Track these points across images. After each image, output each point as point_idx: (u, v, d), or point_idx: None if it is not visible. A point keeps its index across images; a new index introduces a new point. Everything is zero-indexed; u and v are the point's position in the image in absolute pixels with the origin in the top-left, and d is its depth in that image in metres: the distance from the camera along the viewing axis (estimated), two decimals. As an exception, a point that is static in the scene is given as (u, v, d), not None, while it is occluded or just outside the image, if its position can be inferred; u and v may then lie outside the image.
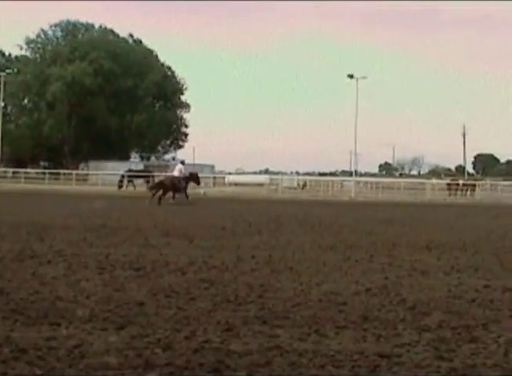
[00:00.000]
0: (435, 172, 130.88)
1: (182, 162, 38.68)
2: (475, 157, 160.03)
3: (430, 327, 7.46)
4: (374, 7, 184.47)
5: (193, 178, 38.16)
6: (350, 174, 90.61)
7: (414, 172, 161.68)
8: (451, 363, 6.12)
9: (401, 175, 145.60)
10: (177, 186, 35.59)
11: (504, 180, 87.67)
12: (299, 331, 7.10)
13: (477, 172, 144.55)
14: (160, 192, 34.96)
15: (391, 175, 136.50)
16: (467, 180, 71.41)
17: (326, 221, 24.21)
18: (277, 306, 8.39)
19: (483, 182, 76.36)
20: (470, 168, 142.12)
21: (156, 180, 40.61)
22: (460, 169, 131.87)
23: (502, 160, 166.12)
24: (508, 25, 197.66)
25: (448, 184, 63.23)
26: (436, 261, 13.41)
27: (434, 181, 70.88)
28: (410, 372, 5.85)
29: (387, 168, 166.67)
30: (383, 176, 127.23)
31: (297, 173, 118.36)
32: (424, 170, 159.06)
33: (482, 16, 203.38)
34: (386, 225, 22.91)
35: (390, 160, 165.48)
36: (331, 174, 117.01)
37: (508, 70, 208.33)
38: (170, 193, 35.30)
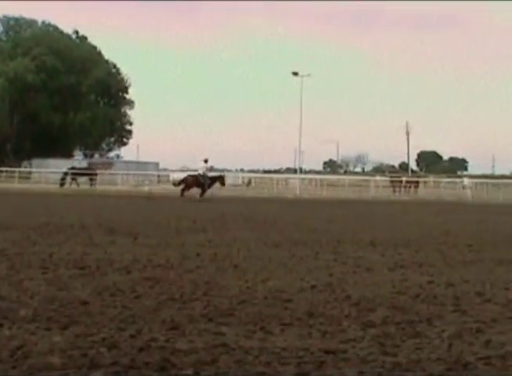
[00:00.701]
0: (379, 169, 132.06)
1: (205, 161, 40.55)
2: (418, 155, 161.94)
3: (374, 323, 7.51)
4: (319, 6, 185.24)
5: (220, 179, 40.67)
6: (294, 171, 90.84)
7: (358, 170, 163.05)
8: (395, 358, 6.17)
9: (345, 172, 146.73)
10: (201, 182, 38.43)
11: (447, 177, 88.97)
12: (245, 329, 7.10)
13: (421, 169, 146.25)
14: (183, 187, 38.85)
15: (336, 173, 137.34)
16: (411, 177, 72.18)
17: (271, 218, 24.26)
18: (223, 304, 8.37)
19: (426, 179, 77.32)
20: (413, 165, 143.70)
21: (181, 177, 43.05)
22: (404, 166, 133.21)
23: (445, 157, 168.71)
24: (450, 25, 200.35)
25: (392, 181, 63.82)
26: (380, 257, 13.53)
27: (378, 178, 71.47)
28: (355, 367, 5.88)
29: (331, 166, 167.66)
30: (327, 173, 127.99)
31: (242, 170, 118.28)
32: (368, 167, 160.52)
33: (426, 15, 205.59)
34: (331, 223, 23.05)
35: (334, 158, 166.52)
36: (276, 171, 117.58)
37: (450, 68, 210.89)
38: (194, 189, 38.83)
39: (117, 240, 15.45)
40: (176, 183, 41.12)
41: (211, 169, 39.67)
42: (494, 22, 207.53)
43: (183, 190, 38.99)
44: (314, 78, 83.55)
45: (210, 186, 39.01)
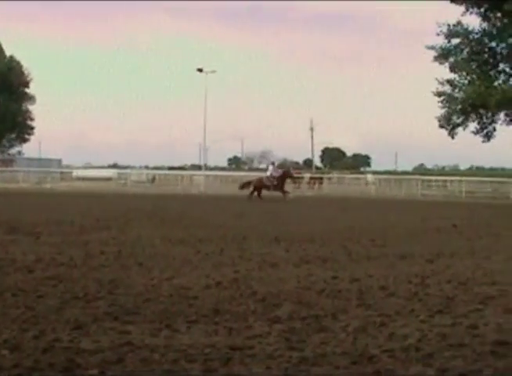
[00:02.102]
0: (284, 166, 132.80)
1: (273, 163, 42.92)
2: (323, 151, 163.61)
3: (280, 319, 7.55)
4: (223, 4, 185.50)
5: (287, 175, 40.85)
6: (199, 168, 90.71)
7: (263, 166, 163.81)
8: (302, 353, 6.22)
9: (250, 168, 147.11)
10: (266, 184, 39.05)
11: (351, 173, 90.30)
12: (150, 327, 7.05)
13: (325, 166, 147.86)
14: (251, 189, 39.18)
15: (240, 169, 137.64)
16: (315, 173, 72.93)
17: (176, 215, 24.17)
18: (128, 302, 8.30)
19: (330, 175, 78.25)
20: (318, 162, 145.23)
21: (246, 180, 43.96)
22: (308, 162, 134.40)
23: (349, 153, 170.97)
24: (355, 25, 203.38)
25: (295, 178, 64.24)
26: (285, 253, 13.61)
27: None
28: (262, 363, 5.90)
29: (236, 162, 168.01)
30: (232, 170, 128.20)
31: (146, 167, 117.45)
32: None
33: (328, 14, 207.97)
34: (235, 219, 23.09)
35: (239, 154, 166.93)
36: (180, 168, 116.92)
37: (354, 68, 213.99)
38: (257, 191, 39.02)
39: (19, 239, 15.15)
40: (240, 186, 41.31)
41: (273, 172, 39.31)
42: (395, 21, 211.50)
43: (252, 193, 39.14)
44: (219, 75, 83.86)
45: (280, 185, 39.05)
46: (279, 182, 39.18)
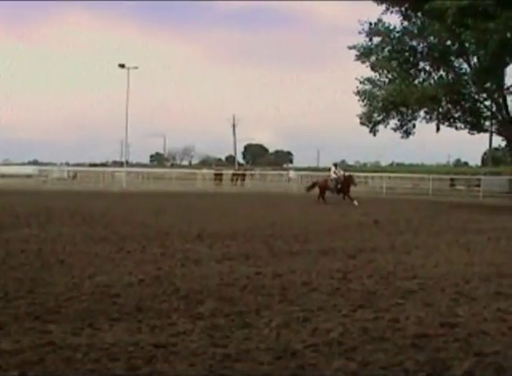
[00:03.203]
0: (206, 162, 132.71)
1: (335, 165, 40.75)
2: (245, 147, 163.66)
3: (203, 315, 7.56)
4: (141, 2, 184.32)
5: (350, 180, 39.13)
6: (121, 164, 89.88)
7: (185, 163, 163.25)
8: (225, 350, 6.23)
9: (172, 165, 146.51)
10: (330, 187, 38.08)
11: (272, 170, 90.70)
12: (72, 326, 6.97)
13: (247, 162, 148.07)
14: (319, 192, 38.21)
15: (163, 166, 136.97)
16: (238, 170, 73.03)
17: (98, 212, 23.92)
18: (49, 301, 8.19)
19: (253, 171, 78.48)
20: (240, 158, 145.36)
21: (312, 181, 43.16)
22: (231, 159, 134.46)
23: (271, 150, 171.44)
24: (279, 22, 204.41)
25: (215, 174, 64.35)
26: (208, 249, 13.62)
27: (204, 171, 71.86)
28: (186, 360, 5.88)
29: (158, 159, 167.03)
30: (154, 167, 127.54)
31: (67, 164, 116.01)
32: (195, 160, 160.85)
33: (249, 10, 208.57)
34: (158, 216, 22.98)
35: (161, 151, 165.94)
36: (102, 164, 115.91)
37: (277, 64, 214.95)
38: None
39: None
40: (307, 189, 40.92)
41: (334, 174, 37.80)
42: (320, 19, 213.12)
43: (320, 195, 38.02)
44: (141, 71, 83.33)
45: (344, 189, 37.79)
46: (342, 187, 38.42)
